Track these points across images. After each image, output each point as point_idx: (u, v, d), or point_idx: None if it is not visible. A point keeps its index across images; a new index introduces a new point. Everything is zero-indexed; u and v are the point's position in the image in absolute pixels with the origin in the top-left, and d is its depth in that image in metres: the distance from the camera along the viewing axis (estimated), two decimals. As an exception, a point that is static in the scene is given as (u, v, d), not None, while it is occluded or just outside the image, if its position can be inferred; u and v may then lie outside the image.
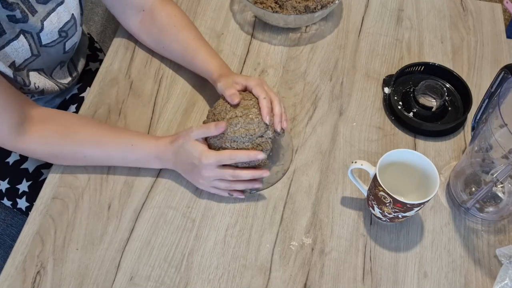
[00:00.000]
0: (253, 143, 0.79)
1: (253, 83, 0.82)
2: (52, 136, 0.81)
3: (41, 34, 0.83)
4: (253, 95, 0.82)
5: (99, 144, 0.82)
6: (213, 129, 0.77)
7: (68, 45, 0.92)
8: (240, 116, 0.79)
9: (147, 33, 0.97)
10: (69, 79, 1.02)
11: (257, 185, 0.82)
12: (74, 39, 0.93)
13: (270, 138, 0.81)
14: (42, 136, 0.80)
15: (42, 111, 0.83)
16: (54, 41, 0.87)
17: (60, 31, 0.87)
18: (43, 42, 0.85)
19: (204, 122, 0.84)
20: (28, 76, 0.88)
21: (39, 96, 0.97)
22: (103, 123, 0.89)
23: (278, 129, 0.80)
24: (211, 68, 0.89)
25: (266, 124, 0.79)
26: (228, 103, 0.80)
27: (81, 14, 0.92)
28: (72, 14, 0.88)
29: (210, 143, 0.80)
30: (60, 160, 0.84)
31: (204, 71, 0.91)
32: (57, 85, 0.97)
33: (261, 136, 0.80)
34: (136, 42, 1.03)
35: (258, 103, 0.81)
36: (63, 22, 0.86)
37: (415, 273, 0.78)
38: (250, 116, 0.79)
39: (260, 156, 0.77)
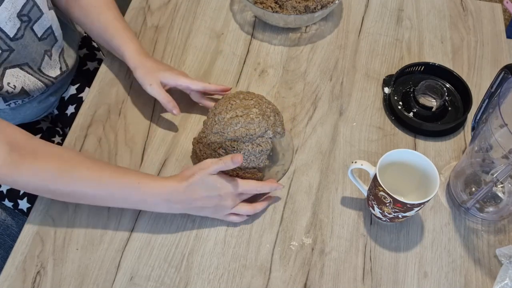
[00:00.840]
0: (253, 143, 0.79)
1: (187, 81, 0.89)
2: (47, 170, 0.73)
3: (1, 26, 0.81)
4: (254, 95, 0.82)
5: (101, 182, 0.74)
6: (229, 163, 0.73)
7: (39, 30, 0.89)
8: (241, 116, 0.78)
9: (72, 12, 0.96)
10: (58, 72, 0.99)
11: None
12: (44, 23, 0.90)
13: (270, 138, 0.80)
14: (35, 170, 0.72)
15: (32, 142, 0.74)
16: (19, 28, 0.84)
17: (20, 16, 0.83)
18: (11, 35, 0.83)
19: (204, 122, 0.84)
20: (2, 76, 0.85)
21: (25, 97, 0.94)
22: (100, 160, 0.84)
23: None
24: (127, 52, 0.90)
25: (267, 124, 0.79)
26: (229, 103, 0.81)
27: None
28: None
29: (211, 140, 0.80)
30: (58, 197, 0.77)
31: (121, 53, 0.91)
32: (40, 80, 0.94)
33: (261, 136, 0.80)
34: (136, 42, 1.03)
35: (258, 103, 0.81)
36: (19, 6, 0.83)
37: (415, 273, 0.78)
38: (251, 116, 0.78)
39: (280, 186, 0.82)
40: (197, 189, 0.75)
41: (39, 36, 0.90)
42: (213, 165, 0.75)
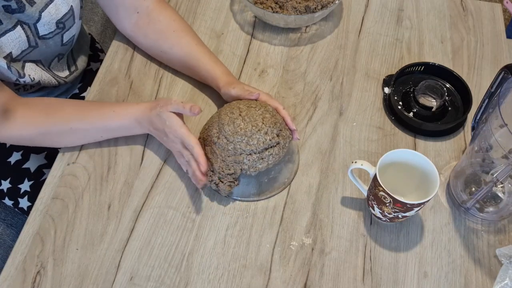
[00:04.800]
0: (262, 154, 0.79)
1: (265, 96, 0.84)
2: (37, 116, 0.83)
3: (38, 24, 0.84)
4: (259, 104, 0.82)
5: (84, 116, 0.84)
6: (187, 110, 0.77)
7: (66, 37, 0.92)
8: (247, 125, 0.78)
9: (143, 36, 0.96)
10: (67, 73, 1.02)
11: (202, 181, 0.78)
12: (72, 32, 0.93)
13: (279, 145, 0.80)
14: (26, 118, 0.82)
15: (25, 99, 0.84)
16: (52, 32, 0.87)
17: (58, 22, 0.87)
18: (40, 33, 0.86)
19: (202, 129, 0.84)
20: (23, 67, 0.88)
21: (38, 90, 0.96)
22: (85, 100, 0.91)
23: (298, 137, 0.84)
24: (216, 75, 0.90)
25: (275, 134, 0.79)
26: (233, 112, 0.80)
27: (81, 7, 0.92)
28: (71, 6, 0.88)
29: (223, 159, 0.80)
30: (47, 138, 0.85)
31: (209, 77, 0.91)
32: (54, 78, 0.96)
33: (270, 147, 0.79)
34: (136, 42, 1.03)
35: (265, 113, 0.80)
36: (61, 14, 0.86)
37: (415, 273, 0.78)
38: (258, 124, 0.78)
39: (203, 168, 0.76)
40: (154, 119, 0.81)
41: (64, 41, 0.93)
42: (173, 103, 0.78)
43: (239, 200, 0.83)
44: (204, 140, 0.82)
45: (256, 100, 0.83)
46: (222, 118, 0.80)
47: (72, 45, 0.99)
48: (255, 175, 0.84)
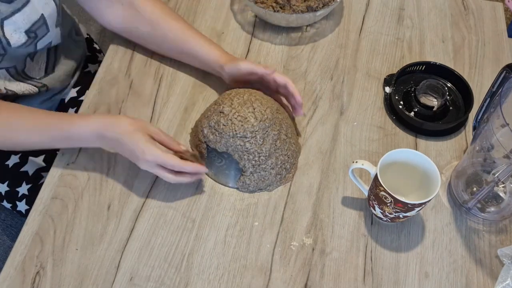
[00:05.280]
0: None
1: (269, 70, 0.86)
2: None
3: (6, 35, 0.80)
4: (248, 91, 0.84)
5: (36, 128, 0.80)
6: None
7: (40, 45, 0.88)
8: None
9: (135, 28, 0.94)
10: (42, 74, 0.98)
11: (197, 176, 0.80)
12: (46, 40, 0.89)
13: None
14: None
15: None
16: (24, 44, 0.84)
17: (28, 31, 0.83)
18: (11, 43, 0.82)
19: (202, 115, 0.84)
20: None
21: (17, 99, 0.94)
22: (34, 108, 0.85)
23: (301, 114, 0.88)
24: (216, 55, 0.90)
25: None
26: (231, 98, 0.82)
27: (58, 14, 0.88)
28: (42, 14, 0.84)
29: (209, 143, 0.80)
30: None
31: (209, 59, 0.91)
32: (28, 83, 0.93)
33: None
34: (136, 41, 1.03)
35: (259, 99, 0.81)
36: (31, 23, 0.82)
37: (416, 273, 0.78)
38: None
39: (203, 170, 0.78)
40: (119, 139, 0.77)
41: (37, 48, 0.90)
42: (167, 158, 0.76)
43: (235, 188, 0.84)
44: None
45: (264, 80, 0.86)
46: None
47: (52, 50, 0.96)
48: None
